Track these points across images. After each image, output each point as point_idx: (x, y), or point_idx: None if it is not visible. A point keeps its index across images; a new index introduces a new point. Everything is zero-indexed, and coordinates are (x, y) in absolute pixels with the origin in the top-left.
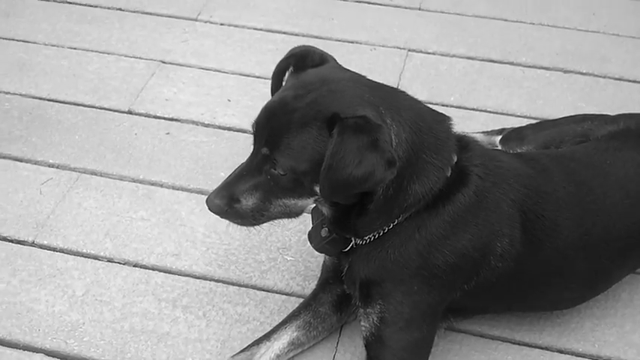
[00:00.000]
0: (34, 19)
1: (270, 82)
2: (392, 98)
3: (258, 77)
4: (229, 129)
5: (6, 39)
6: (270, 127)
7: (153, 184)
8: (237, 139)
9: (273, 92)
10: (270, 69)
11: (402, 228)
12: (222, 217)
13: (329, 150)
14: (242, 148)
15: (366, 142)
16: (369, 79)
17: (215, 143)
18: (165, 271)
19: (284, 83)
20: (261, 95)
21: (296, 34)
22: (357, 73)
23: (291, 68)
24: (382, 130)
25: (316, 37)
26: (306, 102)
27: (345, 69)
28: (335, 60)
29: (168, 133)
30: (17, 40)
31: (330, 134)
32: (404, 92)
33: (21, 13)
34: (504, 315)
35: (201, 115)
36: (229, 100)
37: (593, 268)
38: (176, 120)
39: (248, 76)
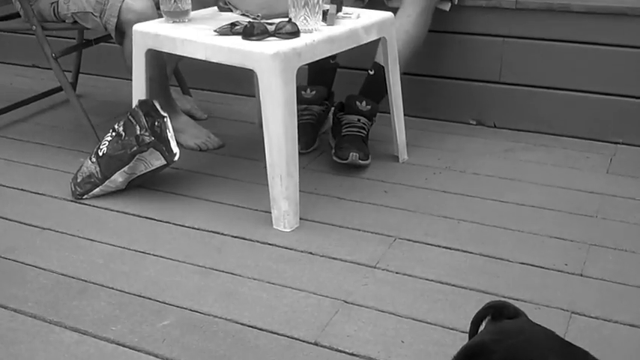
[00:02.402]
0: (241, 255)
1: (440, 328)
2: (579, 356)
3: (429, 323)
4: None
5: (217, 270)
6: None
7: None
8: None
9: (470, 336)
10: (439, 317)
11: None
12: None
13: None
14: None
15: None
16: (557, 335)
17: None
18: None
19: (480, 329)
20: (431, 340)
21: (464, 287)
22: (548, 329)
23: (488, 317)
24: None
25: (482, 292)
26: (504, 346)
27: (537, 324)
28: (526, 315)
29: None
30: (226, 273)
31: None
32: (588, 352)
33: (229, 250)
34: None
35: (378, 353)
36: (403, 342)
37: None
38: (356, 355)
39: (420, 321)
